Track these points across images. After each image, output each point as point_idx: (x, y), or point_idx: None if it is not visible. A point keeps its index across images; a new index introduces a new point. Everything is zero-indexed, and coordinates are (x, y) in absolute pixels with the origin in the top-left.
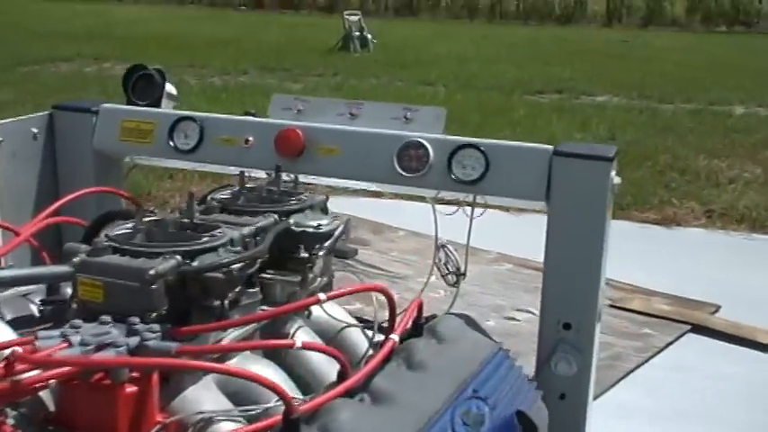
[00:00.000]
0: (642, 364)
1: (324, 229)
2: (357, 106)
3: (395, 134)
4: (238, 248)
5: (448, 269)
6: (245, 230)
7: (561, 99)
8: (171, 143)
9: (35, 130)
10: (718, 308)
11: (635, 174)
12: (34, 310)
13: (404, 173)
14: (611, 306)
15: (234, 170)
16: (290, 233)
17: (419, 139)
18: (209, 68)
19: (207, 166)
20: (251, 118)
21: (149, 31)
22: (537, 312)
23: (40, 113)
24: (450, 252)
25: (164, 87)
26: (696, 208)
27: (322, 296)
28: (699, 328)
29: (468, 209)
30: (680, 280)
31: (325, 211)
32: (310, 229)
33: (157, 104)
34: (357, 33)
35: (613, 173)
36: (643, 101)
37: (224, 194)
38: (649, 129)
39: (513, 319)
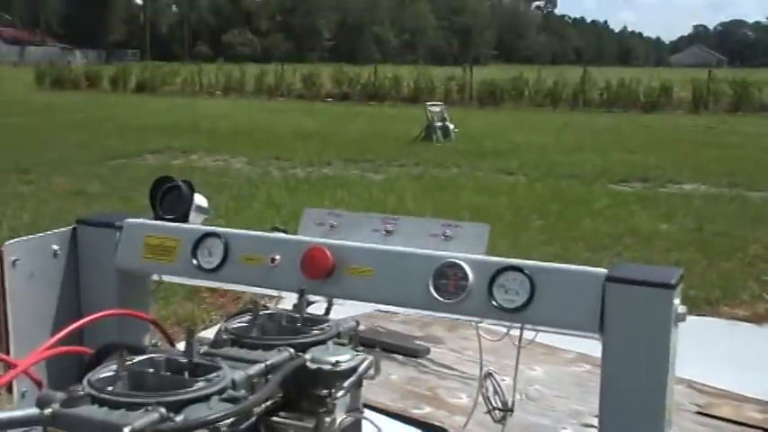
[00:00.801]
0: None
1: (343, 367)
2: (393, 222)
3: (431, 254)
4: (241, 393)
5: (493, 403)
6: (252, 370)
7: (645, 188)
8: (194, 261)
9: (56, 247)
10: None
11: (724, 266)
12: None
13: (440, 298)
14: (698, 413)
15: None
16: (306, 371)
17: (456, 260)
18: (293, 160)
19: (232, 286)
20: (278, 234)
21: (236, 123)
22: None
23: (63, 229)
24: (497, 383)
25: (192, 200)
26: None
27: None
28: None
29: (516, 334)
30: None
31: (352, 340)
32: (327, 367)
33: (185, 218)
34: (439, 123)
35: (677, 301)
36: (732, 189)
37: (239, 323)
38: (739, 218)
39: (592, 426)
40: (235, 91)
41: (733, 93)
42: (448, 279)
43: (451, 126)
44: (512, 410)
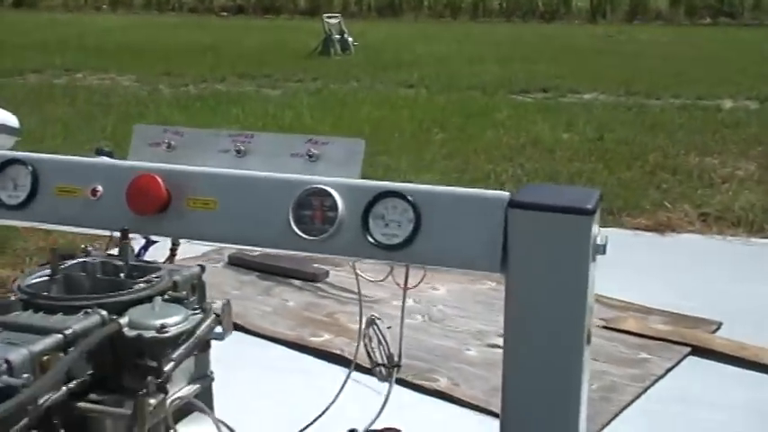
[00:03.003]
0: (640, 395)
1: (172, 332)
2: (246, 139)
3: (291, 179)
4: (21, 379)
5: (377, 357)
6: (41, 345)
7: (546, 98)
8: None
9: None
10: (719, 325)
11: (625, 175)
12: None
13: (302, 234)
14: (604, 327)
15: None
16: (123, 339)
17: (323, 186)
18: (185, 77)
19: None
20: (101, 160)
21: (124, 39)
22: None
23: None
24: (381, 333)
25: None
26: (690, 212)
27: None
28: (700, 350)
29: (400, 274)
30: (677, 294)
31: (196, 291)
32: (150, 333)
33: None
34: (337, 36)
35: (595, 229)
36: (630, 97)
37: (39, 278)
38: (638, 126)
39: (497, 346)
40: (123, 5)
41: (629, 1)
42: (313, 210)
43: (350, 39)
44: (399, 366)
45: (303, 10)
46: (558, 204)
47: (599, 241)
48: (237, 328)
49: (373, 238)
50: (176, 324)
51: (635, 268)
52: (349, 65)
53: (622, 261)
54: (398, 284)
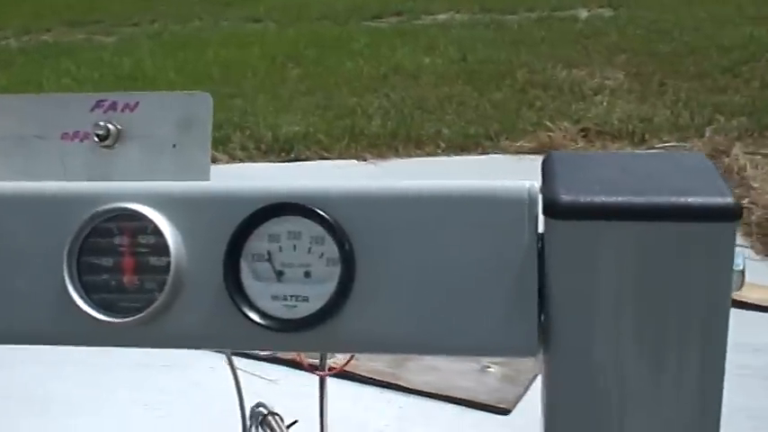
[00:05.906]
0: None
1: None
2: None
3: (67, 193)
4: None
5: None
6: None
7: (401, 22)
8: None
9: None
10: None
11: (496, 96)
12: None
13: (97, 314)
14: None
15: None
16: None
17: (136, 206)
18: (5, 29)
19: None
20: None
21: None
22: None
23: None
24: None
25: None
26: (570, 128)
27: None
28: None
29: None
30: None
31: None
32: None
33: None
34: None
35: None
36: (486, 14)
37: None
38: (499, 44)
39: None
40: None
41: None
42: (116, 256)
43: None
44: None
45: None
46: (661, 201)
47: (737, 268)
48: None
49: (254, 309)
50: None
51: None
52: (189, 3)
53: None
54: (312, 370)
